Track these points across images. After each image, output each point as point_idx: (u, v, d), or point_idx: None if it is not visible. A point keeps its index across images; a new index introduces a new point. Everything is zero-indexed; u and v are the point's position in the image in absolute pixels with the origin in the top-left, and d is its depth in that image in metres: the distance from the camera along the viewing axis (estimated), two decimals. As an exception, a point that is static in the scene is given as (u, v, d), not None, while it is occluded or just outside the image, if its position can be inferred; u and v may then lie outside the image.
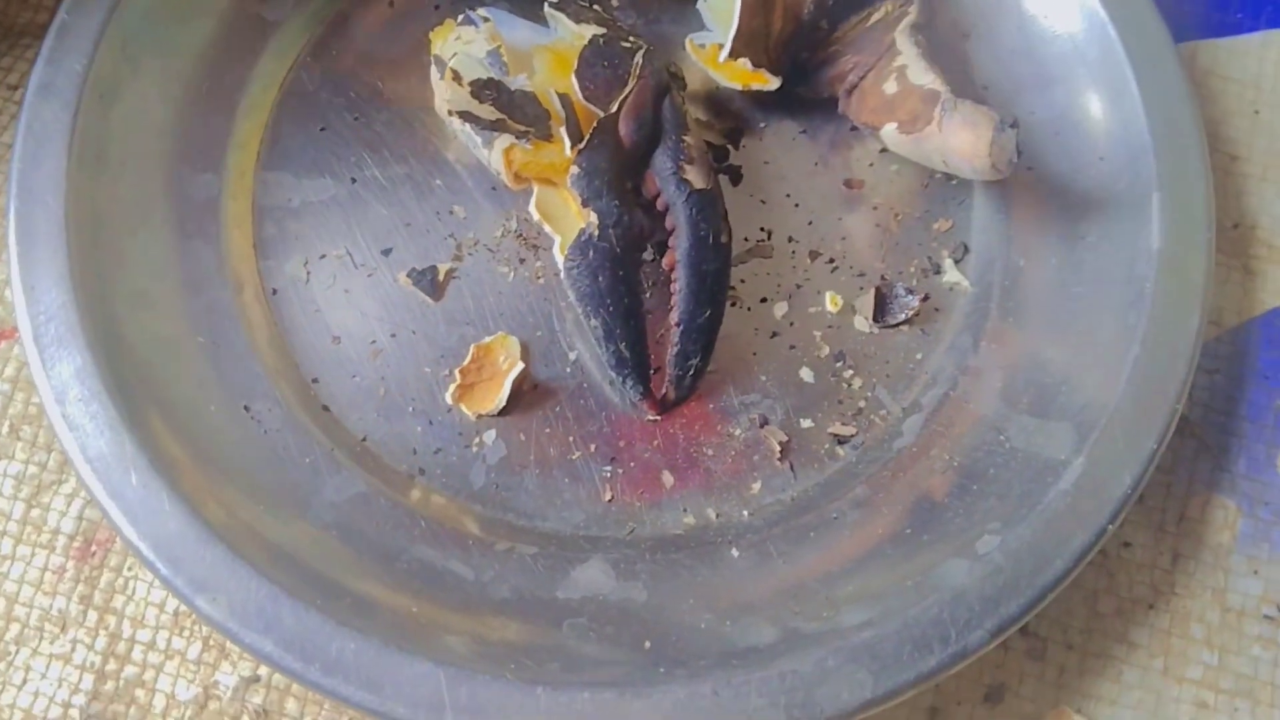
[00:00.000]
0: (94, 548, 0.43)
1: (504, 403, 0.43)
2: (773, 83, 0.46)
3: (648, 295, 0.44)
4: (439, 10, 0.50)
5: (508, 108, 0.42)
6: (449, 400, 0.43)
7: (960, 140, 0.42)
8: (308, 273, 0.46)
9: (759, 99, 0.48)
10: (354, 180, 0.47)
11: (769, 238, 0.47)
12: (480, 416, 0.43)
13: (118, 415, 0.39)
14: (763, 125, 0.49)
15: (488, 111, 0.42)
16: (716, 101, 0.49)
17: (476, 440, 0.43)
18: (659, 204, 0.43)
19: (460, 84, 0.42)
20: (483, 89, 0.42)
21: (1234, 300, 0.47)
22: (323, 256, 0.46)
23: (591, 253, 0.42)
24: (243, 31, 0.48)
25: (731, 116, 0.49)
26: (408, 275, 0.46)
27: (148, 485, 0.38)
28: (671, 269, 0.43)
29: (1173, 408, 0.41)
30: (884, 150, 0.47)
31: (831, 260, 0.46)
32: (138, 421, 0.39)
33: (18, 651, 0.42)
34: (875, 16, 0.47)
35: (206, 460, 0.40)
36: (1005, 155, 0.41)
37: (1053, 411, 0.42)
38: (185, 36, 0.46)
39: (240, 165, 0.47)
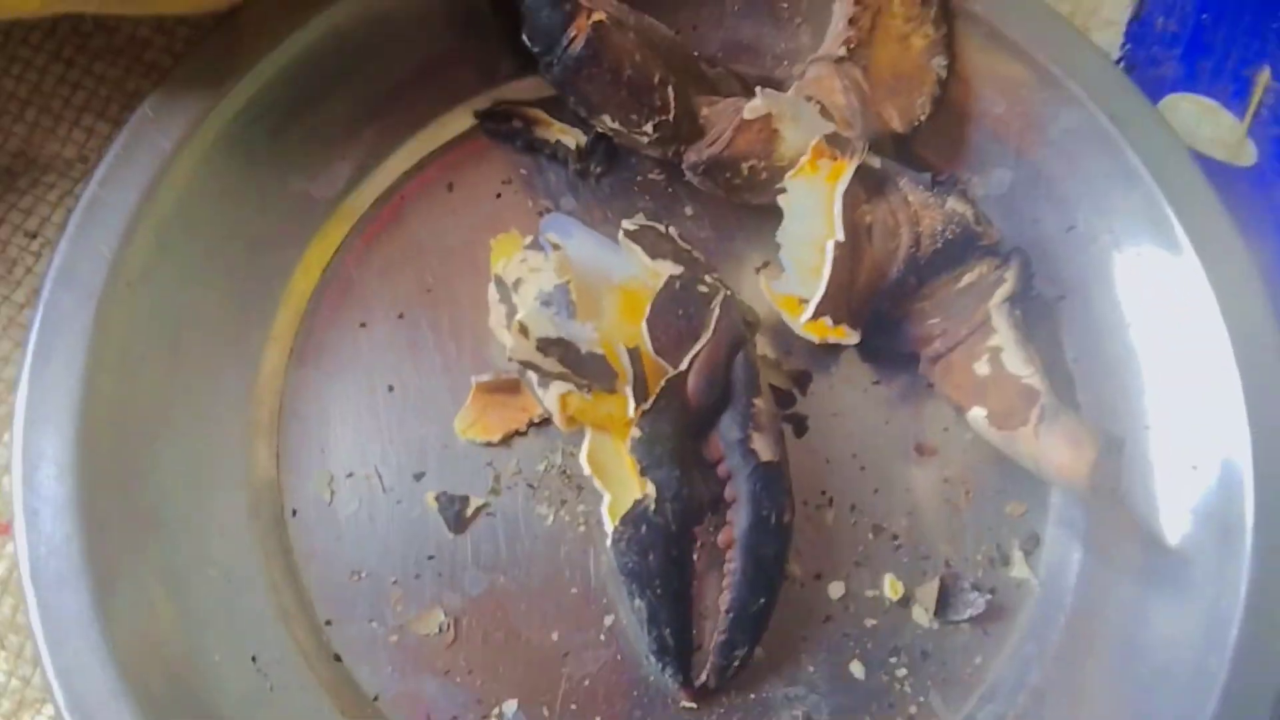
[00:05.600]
0: (68, 780, 0.39)
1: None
2: (852, 337, 0.43)
3: (695, 556, 0.41)
4: (500, 199, 0.46)
5: (574, 365, 0.39)
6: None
7: (1059, 455, 0.39)
8: (331, 492, 0.42)
9: (832, 342, 0.44)
10: (391, 388, 0.43)
11: (830, 504, 0.43)
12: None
13: (118, 679, 0.35)
14: (833, 370, 0.45)
15: (552, 365, 0.39)
16: (786, 336, 0.45)
17: (496, 711, 0.40)
18: (720, 470, 0.40)
19: (527, 337, 0.38)
20: (550, 346, 0.38)
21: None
22: (350, 475, 0.42)
23: (645, 528, 0.38)
24: (286, 210, 0.44)
25: (801, 356, 0.45)
26: (435, 497, 0.42)
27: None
28: (728, 548, 0.40)
29: (1250, 778, 0.38)
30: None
31: (895, 537, 0.43)
32: (137, 684, 0.36)
33: None
34: (967, 278, 0.43)
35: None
36: (1108, 482, 0.38)
37: (1119, 763, 0.39)
38: (223, 217, 0.42)
39: (272, 362, 0.43)
